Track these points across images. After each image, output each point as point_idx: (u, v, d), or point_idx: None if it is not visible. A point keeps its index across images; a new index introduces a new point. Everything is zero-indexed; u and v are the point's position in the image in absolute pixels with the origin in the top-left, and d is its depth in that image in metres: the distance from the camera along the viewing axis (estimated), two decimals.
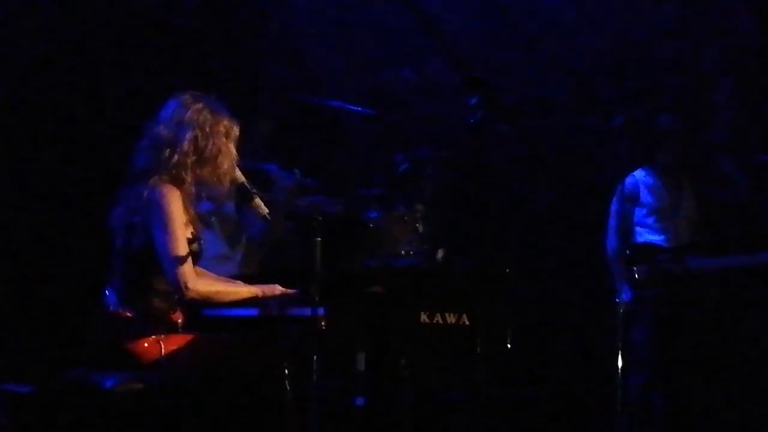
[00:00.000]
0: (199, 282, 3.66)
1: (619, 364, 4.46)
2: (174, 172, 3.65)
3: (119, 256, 3.70)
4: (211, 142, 3.69)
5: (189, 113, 3.69)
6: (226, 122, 3.74)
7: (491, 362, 3.42)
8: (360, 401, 4.27)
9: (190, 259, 3.62)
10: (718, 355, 5.45)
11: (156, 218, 3.59)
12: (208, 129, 3.69)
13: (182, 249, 3.59)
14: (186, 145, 3.66)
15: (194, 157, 3.68)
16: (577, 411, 5.74)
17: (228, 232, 4.73)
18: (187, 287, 3.59)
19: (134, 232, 3.64)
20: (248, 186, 3.90)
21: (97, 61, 5.56)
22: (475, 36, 5.90)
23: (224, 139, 3.73)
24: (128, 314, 3.64)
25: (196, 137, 3.67)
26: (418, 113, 5.59)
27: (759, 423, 5.51)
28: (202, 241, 3.79)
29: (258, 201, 3.90)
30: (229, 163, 3.76)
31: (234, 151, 3.77)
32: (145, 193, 3.62)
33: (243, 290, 3.80)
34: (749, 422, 5.51)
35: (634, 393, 5.21)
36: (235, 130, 3.78)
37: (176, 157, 3.65)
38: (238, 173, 3.91)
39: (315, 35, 6.15)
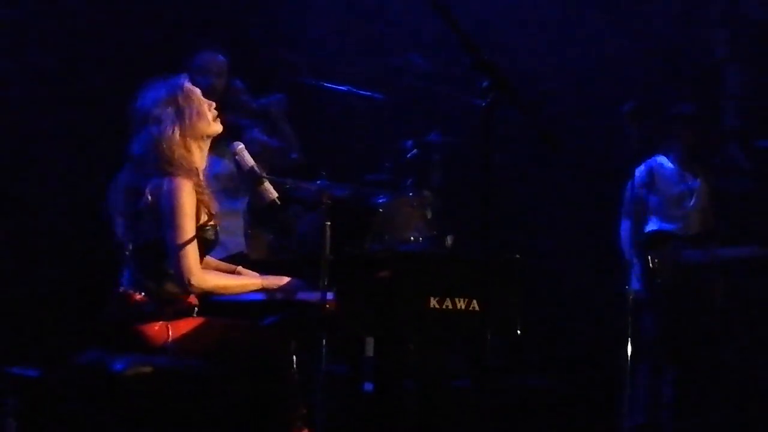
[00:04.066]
0: (204, 277, 3.65)
1: (629, 351, 4.44)
2: (177, 163, 3.65)
3: (128, 244, 3.71)
4: (168, 133, 3.68)
5: (153, 103, 3.71)
6: (184, 88, 3.74)
7: (501, 349, 3.41)
8: (368, 387, 4.26)
9: (196, 254, 3.62)
10: (727, 345, 5.43)
11: (166, 211, 3.60)
12: (156, 124, 3.69)
13: (188, 244, 3.59)
14: (152, 154, 3.66)
15: (178, 137, 3.68)
16: (585, 399, 5.73)
17: (226, 187, 4.73)
18: (190, 283, 3.60)
19: (142, 219, 3.65)
20: (257, 170, 3.89)
21: (103, 48, 5.55)
22: (485, 19, 5.88)
23: (192, 104, 3.72)
24: (138, 297, 3.65)
25: (153, 141, 3.67)
26: (427, 98, 5.56)
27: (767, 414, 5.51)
28: (218, 227, 3.80)
29: (267, 185, 3.88)
30: (207, 124, 3.76)
31: (205, 109, 3.77)
32: (156, 183, 3.63)
33: (248, 282, 3.80)
34: (757, 413, 5.50)
35: (642, 381, 5.20)
36: (196, 91, 3.77)
37: (165, 146, 3.65)
38: (248, 157, 3.90)
39: (323, 19, 6.12)
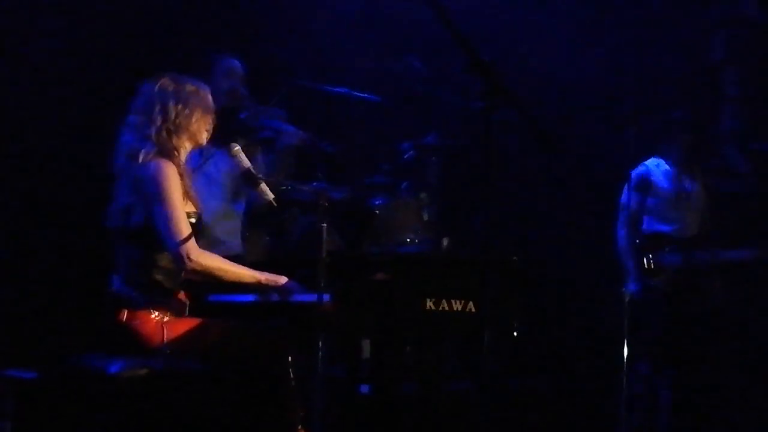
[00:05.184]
0: (202, 255, 3.65)
1: (625, 353, 4.43)
2: (160, 146, 3.67)
3: (120, 239, 3.71)
4: (180, 107, 3.72)
5: (153, 90, 3.74)
6: (188, 86, 3.77)
7: (497, 350, 3.40)
8: (365, 389, 4.26)
9: (191, 231, 3.62)
10: (724, 346, 5.43)
11: (153, 192, 3.60)
12: (173, 96, 3.72)
13: (182, 220, 3.60)
14: (158, 118, 3.70)
15: (169, 127, 3.71)
16: (583, 400, 5.73)
17: (229, 186, 4.74)
18: (189, 258, 3.59)
19: (132, 211, 3.65)
20: (254, 171, 3.89)
21: (104, 48, 5.54)
22: (482, 19, 5.88)
23: (192, 101, 3.75)
24: (130, 293, 3.65)
25: (164, 107, 3.71)
26: (424, 101, 5.56)
27: (765, 414, 5.50)
28: (202, 214, 3.80)
29: (264, 186, 3.88)
30: (203, 130, 3.80)
31: (210, 120, 3.80)
32: (139, 171, 3.63)
33: (246, 273, 3.78)
34: (755, 414, 5.50)
35: (640, 383, 5.20)
36: (202, 91, 3.80)
37: (153, 130, 3.68)
38: (244, 159, 3.91)
39: (322, 21, 6.12)
